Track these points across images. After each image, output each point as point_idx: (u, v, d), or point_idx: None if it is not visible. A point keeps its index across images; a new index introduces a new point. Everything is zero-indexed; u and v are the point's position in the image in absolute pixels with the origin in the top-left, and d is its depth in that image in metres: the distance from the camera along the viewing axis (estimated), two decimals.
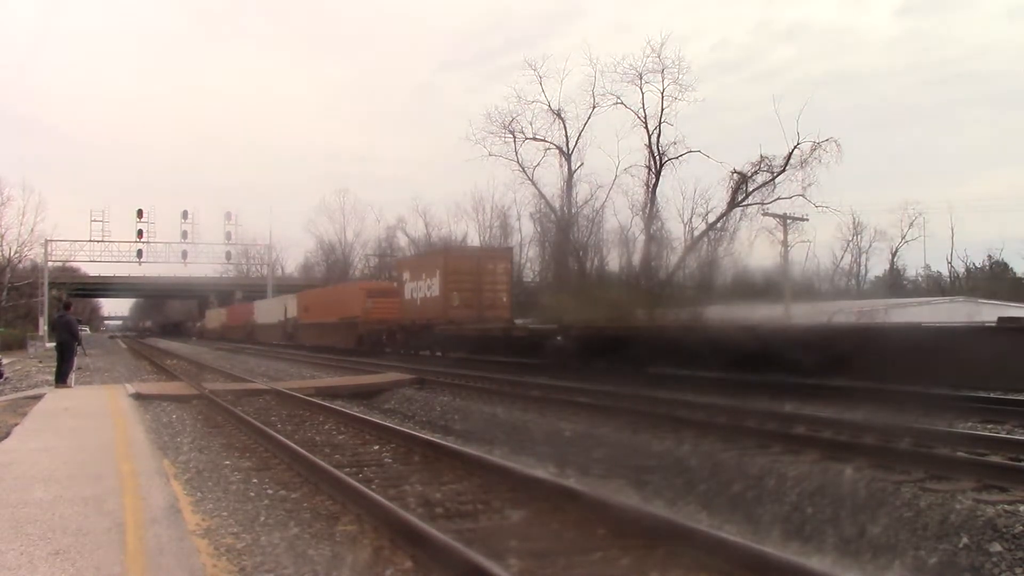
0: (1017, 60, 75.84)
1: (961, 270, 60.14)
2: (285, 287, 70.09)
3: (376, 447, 9.60)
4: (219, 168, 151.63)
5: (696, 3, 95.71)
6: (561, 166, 45.20)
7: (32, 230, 56.65)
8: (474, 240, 66.00)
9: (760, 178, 40.01)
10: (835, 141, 37.68)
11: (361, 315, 35.30)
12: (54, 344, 20.47)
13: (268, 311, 57.72)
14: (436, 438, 9.73)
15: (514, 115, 44.23)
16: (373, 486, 6.88)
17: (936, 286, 56.87)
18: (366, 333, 34.89)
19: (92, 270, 71.04)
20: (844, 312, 28.44)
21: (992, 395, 11.72)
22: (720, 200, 42.67)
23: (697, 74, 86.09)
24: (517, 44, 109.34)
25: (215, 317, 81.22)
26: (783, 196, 38.90)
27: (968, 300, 35.85)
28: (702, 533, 4.91)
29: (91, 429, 10.16)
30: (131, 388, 16.21)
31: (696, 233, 44.91)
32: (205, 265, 71.07)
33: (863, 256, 62.35)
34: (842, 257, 61.87)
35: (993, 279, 55.83)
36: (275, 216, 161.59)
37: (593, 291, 34.46)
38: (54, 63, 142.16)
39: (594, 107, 42.98)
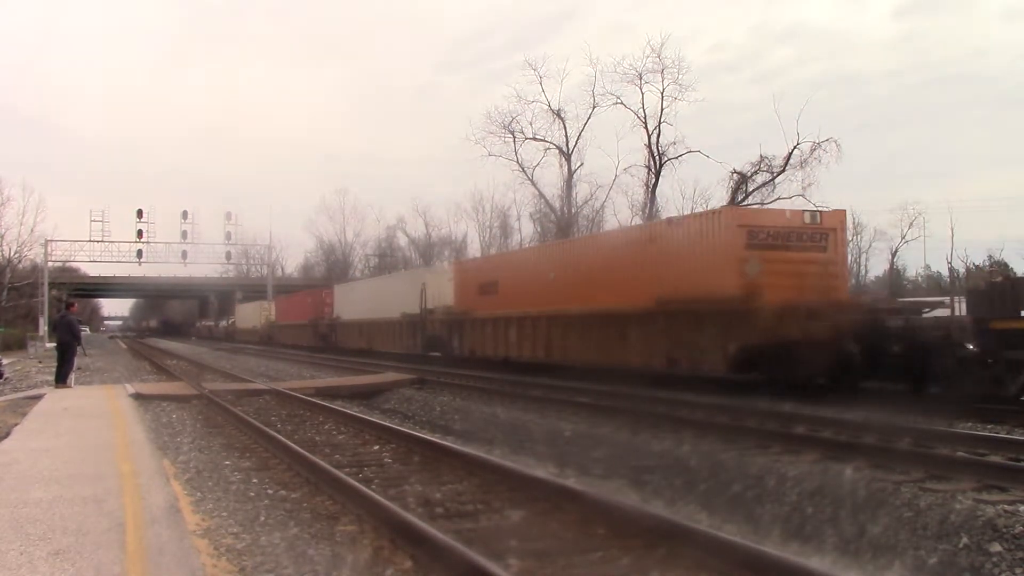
0: (1015, 61, 75.84)
1: (961, 270, 60.11)
2: (285, 287, 69.99)
3: (376, 447, 9.60)
4: (219, 168, 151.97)
5: (695, 4, 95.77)
6: (561, 166, 45.13)
7: (32, 230, 56.51)
8: (474, 241, 65.87)
9: (760, 178, 39.98)
10: (835, 141, 37.55)
11: (765, 292, 13.87)
12: (54, 344, 20.47)
13: (372, 299, 34.33)
14: (436, 438, 9.73)
15: (514, 115, 44.09)
16: (373, 486, 6.88)
17: (936, 286, 56.79)
18: (805, 346, 13.09)
19: (92, 270, 71.11)
20: None
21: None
22: (720, 200, 42.58)
23: (697, 74, 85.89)
24: (517, 44, 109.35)
25: (252, 314, 61.47)
26: (783, 196, 38.66)
27: None
28: (702, 533, 4.91)
29: (91, 429, 10.16)
30: (131, 388, 16.21)
31: None
32: (205, 265, 70.94)
33: (863, 256, 62.33)
34: None
35: None
36: (275, 216, 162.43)
37: None
38: (55, 64, 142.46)
39: (594, 107, 42.78)
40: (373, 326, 33.54)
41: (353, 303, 37.58)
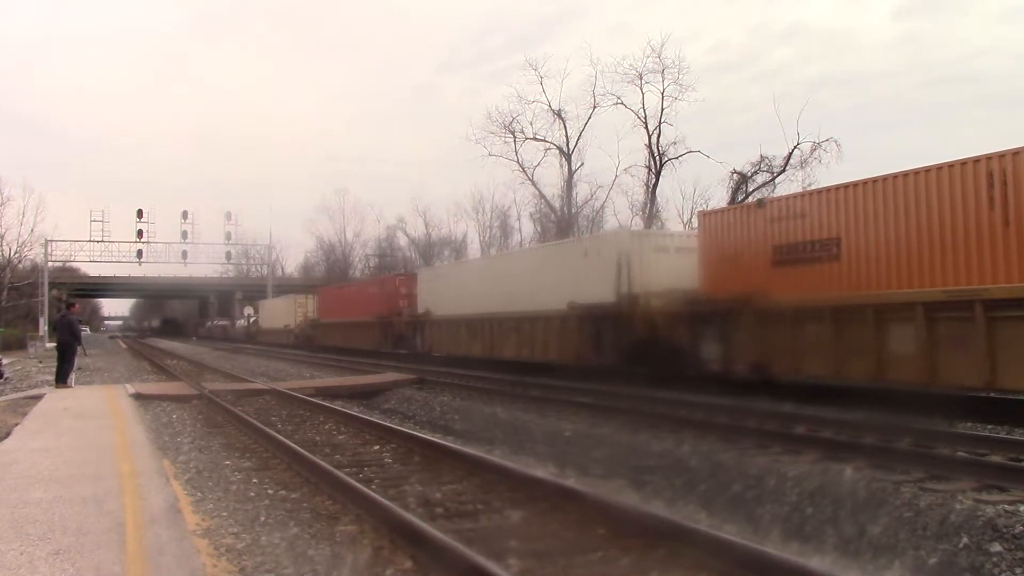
0: (1013, 61, 75.76)
1: None
2: (285, 287, 69.94)
3: (376, 447, 9.60)
4: (219, 168, 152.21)
5: (695, 5, 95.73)
6: (561, 166, 45.17)
7: (32, 230, 56.58)
8: (474, 241, 65.81)
9: (760, 178, 39.96)
10: (835, 141, 37.42)
11: None
12: (54, 344, 20.47)
13: (493, 285, 23.12)
14: (436, 438, 9.73)
15: (514, 115, 44.10)
16: (373, 486, 6.88)
17: None
18: None
19: (92, 270, 71.09)
20: None
21: (991, 395, 11.71)
22: (720, 200, 42.60)
23: (697, 75, 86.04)
24: (517, 44, 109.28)
25: (283, 310, 51.06)
26: None
27: None
28: (702, 533, 4.90)
29: (91, 429, 10.16)
30: (131, 388, 16.22)
31: None
32: (205, 265, 70.89)
33: None
34: None
35: None
36: (275, 216, 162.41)
37: None
38: (55, 64, 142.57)
39: (594, 107, 42.77)
40: (501, 324, 22.27)
41: (454, 293, 25.94)
